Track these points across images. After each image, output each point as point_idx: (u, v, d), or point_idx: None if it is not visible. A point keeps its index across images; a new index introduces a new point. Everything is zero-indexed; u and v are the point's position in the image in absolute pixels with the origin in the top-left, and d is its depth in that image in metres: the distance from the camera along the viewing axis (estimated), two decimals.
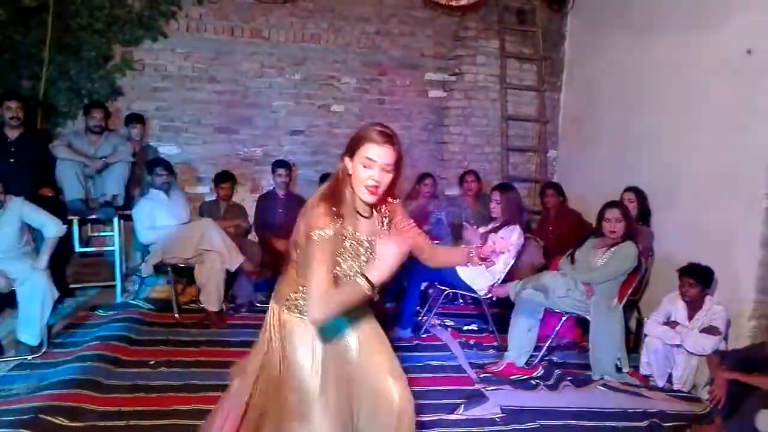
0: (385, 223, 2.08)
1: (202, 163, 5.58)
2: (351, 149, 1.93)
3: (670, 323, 3.75)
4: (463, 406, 3.31)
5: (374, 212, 2.07)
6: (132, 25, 5.23)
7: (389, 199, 2.09)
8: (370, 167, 1.89)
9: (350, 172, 1.94)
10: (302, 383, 2.02)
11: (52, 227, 3.96)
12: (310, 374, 2.01)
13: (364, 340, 2.14)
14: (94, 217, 4.81)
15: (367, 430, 2.09)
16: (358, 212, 2.00)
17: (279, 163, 5.30)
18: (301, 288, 2.03)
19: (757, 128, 3.73)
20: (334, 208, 1.89)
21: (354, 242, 1.97)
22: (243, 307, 4.84)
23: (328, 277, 1.83)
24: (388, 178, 1.92)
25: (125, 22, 5.20)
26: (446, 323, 4.67)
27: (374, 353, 2.14)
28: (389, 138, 1.90)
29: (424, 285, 4.59)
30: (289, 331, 2.05)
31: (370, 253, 1.97)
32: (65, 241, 4.32)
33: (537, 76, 6.11)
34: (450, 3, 5.76)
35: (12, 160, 4.43)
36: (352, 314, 2.06)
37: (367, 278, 1.78)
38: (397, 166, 1.93)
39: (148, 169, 4.77)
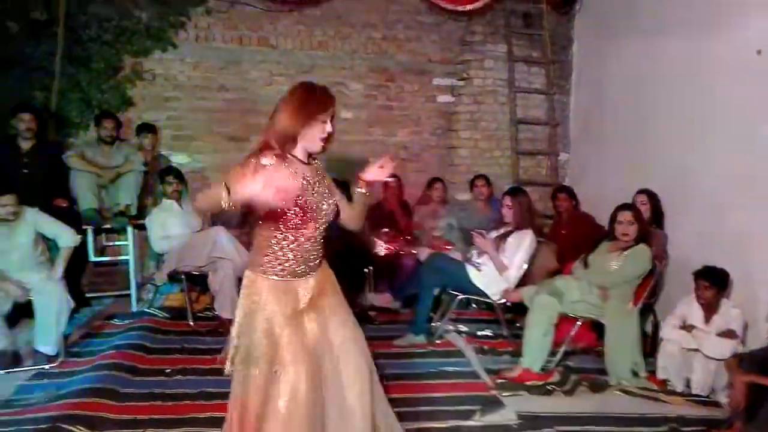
0: (318, 172, 2.41)
1: (213, 171, 5.59)
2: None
3: (687, 327, 3.73)
4: (479, 412, 3.29)
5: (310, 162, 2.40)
6: (141, 36, 5.29)
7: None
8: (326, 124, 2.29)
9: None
10: (272, 331, 2.29)
11: (66, 237, 4.00)
12: (281, 323, 2.28)
13: (319, 297, 2.40)
14: (108, 226, 4.85)
15: (334, 382, 2.34)
16: (299, 159, 2.33)
17: None
18: (266, 252, 2.30)
19: None
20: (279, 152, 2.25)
21: (305, 180, 2.29)
22: None
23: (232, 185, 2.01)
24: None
25: (134, 33, 5.26)
26: (460, 329, 4.65)
27: (333, 314, 2.42)
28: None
29: (437, 291, 4.58)
30: (259, 288, 2.31)
31: (312, 191, 2.32)
32: (80, 251, 4.34)
33: (546, 79, 6.10)
34: (456, 8, 5.77)
35: (26, 171, 4.48)
36: (309, 269, 2.37)
37: (227, 188, 2.01)
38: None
39: (160, 179, 4.79)
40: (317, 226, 2.34)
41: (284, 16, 5.61)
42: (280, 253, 2.29)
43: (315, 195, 2.32)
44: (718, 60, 4.16)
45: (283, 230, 2.27)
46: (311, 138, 2.30)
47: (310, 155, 2.39)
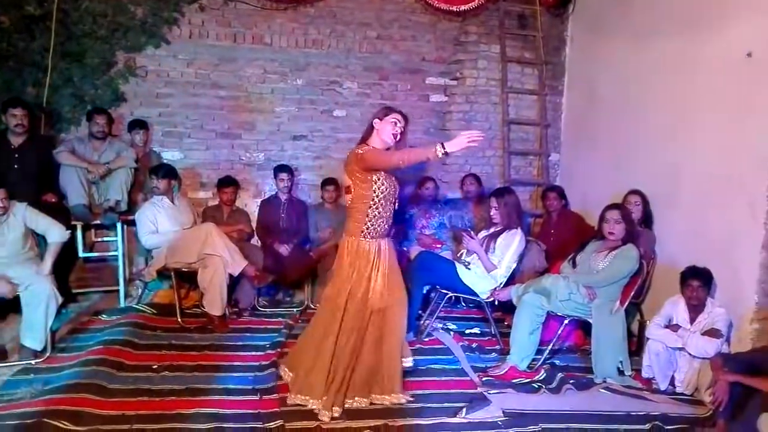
0: None
1: (205, 168, 5.61)
2: (379, 116, 3.30)
3: (672, 326, 3.75)
4: (465, 409, 3.31)
5: None
6: (135, 32, 5.27)
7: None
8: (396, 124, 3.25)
9: (378, 128, 3.27)
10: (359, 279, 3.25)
11: (55, 232, 3.99)
12: (365, 275, 3.25)
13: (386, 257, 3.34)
14: (97, 222, 4.84)
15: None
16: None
17: (281, 168, 5.32)
18: (360, 218, 3.23)
19: (758, 131, 3.72)
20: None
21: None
22: (245, 311, 4.87)
23: (386, 153, 3.22)
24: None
25: (128, 28, 5.24)
26: (449, 327, 4.67)
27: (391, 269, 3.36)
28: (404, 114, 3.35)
29: (426, 289, 4.60)
30: (357, 250, 3.25)
31: (387, 178, 3.25)
32: (69, 247, 4.33)
33: (538, 80, 6.12)
34: (451, 8, 5.79)
35: (16, 167, 4.46)
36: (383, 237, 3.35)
37: (442, 145, 3.03)
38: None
39: (151, 175, 4.79)
40: (395, 199, 3.32)
41: (279, 14, 5.61)
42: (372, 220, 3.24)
43: (390, 181, 3.25)
44: (708, 62, 4.18)
45: (375, 202, 3.21)
46: (386, 133, 3.23)
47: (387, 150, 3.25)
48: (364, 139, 3.32)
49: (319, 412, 3.16)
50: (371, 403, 3.32)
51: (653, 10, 4.78)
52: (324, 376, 3.20)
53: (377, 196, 3.22)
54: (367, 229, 3.25)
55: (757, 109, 3.76)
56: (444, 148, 3.02)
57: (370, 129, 3.31)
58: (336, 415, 3.15)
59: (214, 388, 3.46)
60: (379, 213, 3.25)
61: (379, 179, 3.20)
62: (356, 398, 3.29)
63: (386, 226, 3.32)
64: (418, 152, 3.15)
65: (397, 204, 3.39)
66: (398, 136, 3.26)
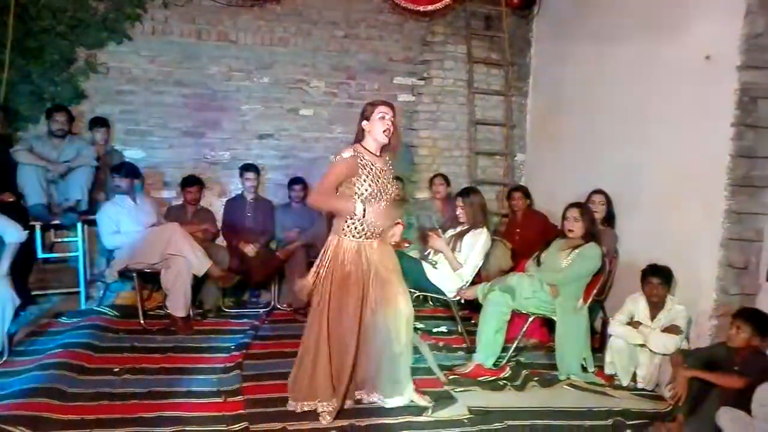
0: (388, 163, 3.25)
1: (168, 167, 5.51)
2: (366, 115, 3.16)
3: (633, 323, 3.83)
4: (431, 408, 3.32)
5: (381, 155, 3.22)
6: (96, 28, 5.16)
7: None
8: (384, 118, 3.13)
9: (368, 129, 3.15)
10: (346, 282, 3.13)
11: (12, 233, 3.86)
12: (355, 278, 3.13)
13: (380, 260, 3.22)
14: (57, 222, 4.73)
15: (378, 322, 3.17)
16: (370, 151, 3.16)
17: (247, 167, 5.27)
18: (348, 219, 3.12)
19: (716, 132, 3.82)
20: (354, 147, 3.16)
21: (369, 167, 3.10)
22: (210, 312, 4.80)
23: (329, 183, 3.09)
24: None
25: (89, 24, 5.12)
26: (416, 326, 4.67)
27: (389, 272, 3.25)
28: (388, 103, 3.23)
29: None
30: (344, 250, 3.14)
31: (378, 178, 3.11)
32: (27, 248, 4.23)
33: (504, 81, 6.19)
34: (418, 8, 5.80)
35: None
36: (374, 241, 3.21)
37: (364, 208, 3.02)
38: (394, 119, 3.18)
39: (113, 174, 4.69)
40: (384, 202, 3.16)
41: (244, 11, 5.55)
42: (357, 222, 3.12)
43: (381, 180, 3.13)
44: (668, 64, 4.27)
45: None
46: (377, 132, 3.12)
47: (382, 150, 3.20)
48: (358, 141, 3.20)
49: (321, 414, 3.13)
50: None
51: (614, 12, 4.87)
52: (327, 379, 3.14)
53: (367, 196, 3.09)
54: (348, 228, 3.14)
55: (714, 111, 3.85)
56: (363, 214, 3.04)
57: (361, 131, 3.20)
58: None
59: (177, 391, 3.40)
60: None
61: (360, 179, 3.08)
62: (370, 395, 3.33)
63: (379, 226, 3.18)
64: (335, 204, 3.13)
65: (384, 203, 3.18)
66: (390, 131, 3.14)
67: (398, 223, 3.38)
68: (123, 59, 5.30)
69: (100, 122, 5.08)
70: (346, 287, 3.12)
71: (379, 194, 3.12)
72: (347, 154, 3.10)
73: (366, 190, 3.08)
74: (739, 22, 3.69)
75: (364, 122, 3.18)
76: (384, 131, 3.12)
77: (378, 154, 3.18)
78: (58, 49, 5.06)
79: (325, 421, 3.09)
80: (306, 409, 3.17)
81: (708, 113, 3.91)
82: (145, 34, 5.32)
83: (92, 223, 4.74)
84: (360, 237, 3.15)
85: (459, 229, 4.45)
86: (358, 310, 3.14)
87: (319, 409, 3.14)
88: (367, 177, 3.09)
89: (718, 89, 3.81)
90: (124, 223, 4.55)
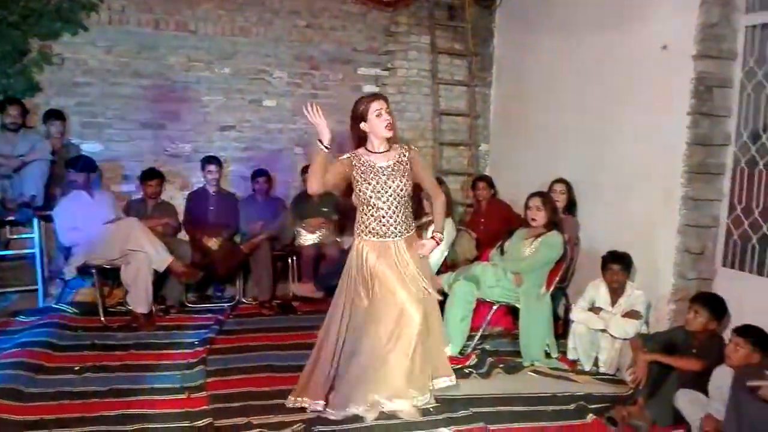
0: (402, 156, 3.17)
1: (127, 160, 5.39)
2: (361, 117, 3.09)
3: (595, 309, 3.90)
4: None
5: (390, 149, 3.18)
6: (50, 18, 4.99)
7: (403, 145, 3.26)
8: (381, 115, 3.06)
9: (369, 130, 3.10)
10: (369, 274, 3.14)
11: None
12: (375, 270, 3.12)
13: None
14: (12, 218, 4.61)
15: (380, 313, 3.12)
16: (374, 151, 3.15)
17: (209, 160, 5.19)
18: (361, 218, 3.18)
19: (673, 121, 3.88)
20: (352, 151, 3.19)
21: (368, 167, 3.11)
22: (173, 308, 4.74)
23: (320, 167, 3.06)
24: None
25: (42, 14, 4.96)
26: None
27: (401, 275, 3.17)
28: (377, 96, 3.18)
29: None
30: (358, 252, 3.17)
31: (381, 174, 3.09)
32: None
33: (468, 71, 6.21)
34: None
35: None
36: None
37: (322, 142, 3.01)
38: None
39: (68, 168, 4.57)
40: (387, 200, 3.10)
41: (204, 1, 5.44)
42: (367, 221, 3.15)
43: (384, 176, 3.09)
44: (627, 54, 4.33)
45: (365, 200, 3.12)
46: (379, 129, 3.06)
47: (390, 145, 3.16)
48: (359, 146, 3.17)
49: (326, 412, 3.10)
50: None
51: (575, 3, 4.91)
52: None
53: (368, 196, 3.11)
54: (361, 229, 3.18)
55: (670, 100, 3.92)
56: (322, 143, 3.03)
57: (362, 135, 3.14)
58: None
59: (140, 389, 3.35)
60: (372, 213, 3.14)
61: (356, 180, 3.12)
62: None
63: (389, 225, 3.14)
64: (312, 163, 3.15)
65: (396, 202, 3.13)
66: (392, 124, 3.09)
67: (433, 237, 3.31)
68: (78, 50, 5.15)
69: (55, 115, 4.93)
70: (356, 289, 3.17)
71: (380, 193, 3.09)
72: (344, 156, 3.16)
73: (366, 190, 3.10)
74: (694, 12, 3.75)
75: (363, 124, 3.11)
76: (386, 126, 3.07)
77: (384, 150, 3.14)
78: (10, 39, 4.88)
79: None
80: (297, 405, 3.14)
81: (665, 102, 3.98)
82: (102, 23, 5.18)
83: (49, 219, 4.62)
84: (374, 236, 3.14)
85: (424, 219, 4.46)
86: (348, 311, 3.18)
87: (310, 407, 3.10)
88: (365, 178, 3.10)
89: (675, 79, 3.88)
90: (81, 219, 4.44)
